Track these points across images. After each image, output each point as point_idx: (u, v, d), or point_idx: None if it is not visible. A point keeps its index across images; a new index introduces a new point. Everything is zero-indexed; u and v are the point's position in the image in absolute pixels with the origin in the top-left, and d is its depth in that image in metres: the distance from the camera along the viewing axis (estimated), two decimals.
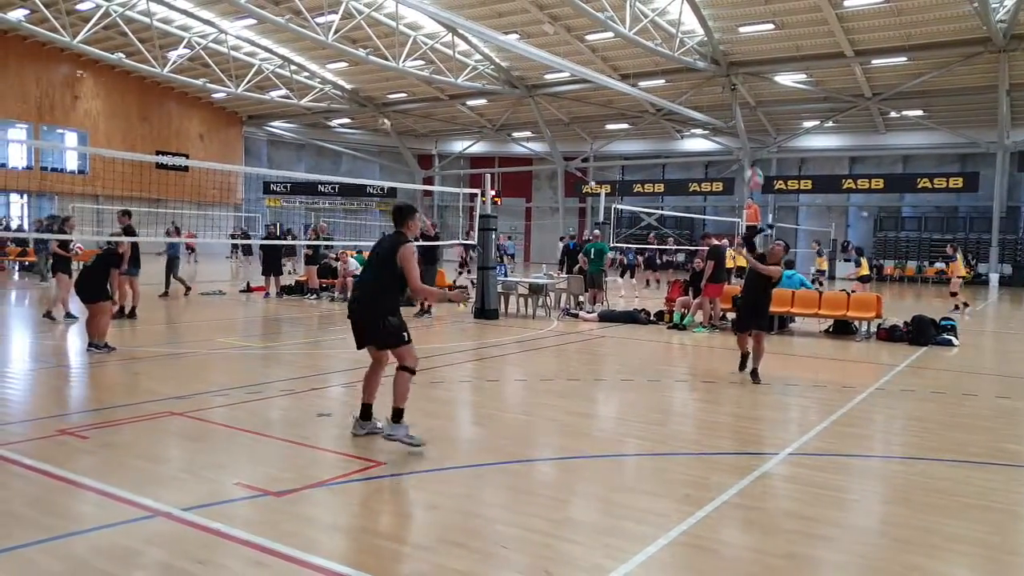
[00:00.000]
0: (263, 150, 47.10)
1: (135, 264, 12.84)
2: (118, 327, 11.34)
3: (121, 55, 32.97)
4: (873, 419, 7.38)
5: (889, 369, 10.13)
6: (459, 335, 12.74)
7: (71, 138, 37.62)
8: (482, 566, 3.73)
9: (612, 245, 20.79)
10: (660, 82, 32.72)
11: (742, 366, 9.17)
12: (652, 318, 14.78)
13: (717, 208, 38.67)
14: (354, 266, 16.86)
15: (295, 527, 4.13)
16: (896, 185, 36.40)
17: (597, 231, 18.42)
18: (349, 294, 8.48)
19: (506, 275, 17.29)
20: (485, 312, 14.57)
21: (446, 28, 28.94)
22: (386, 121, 42.06)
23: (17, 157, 36.20)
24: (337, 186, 45.11)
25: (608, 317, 14.87)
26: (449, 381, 8.52)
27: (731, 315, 13.43)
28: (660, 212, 37.34)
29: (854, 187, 36.65)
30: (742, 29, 27.76)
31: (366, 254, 6.93)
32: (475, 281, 15.84)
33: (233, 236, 38.06)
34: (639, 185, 41.38)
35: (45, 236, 17.59)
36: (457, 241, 28.09)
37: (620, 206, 32.48)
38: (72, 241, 13.38)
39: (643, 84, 32.65)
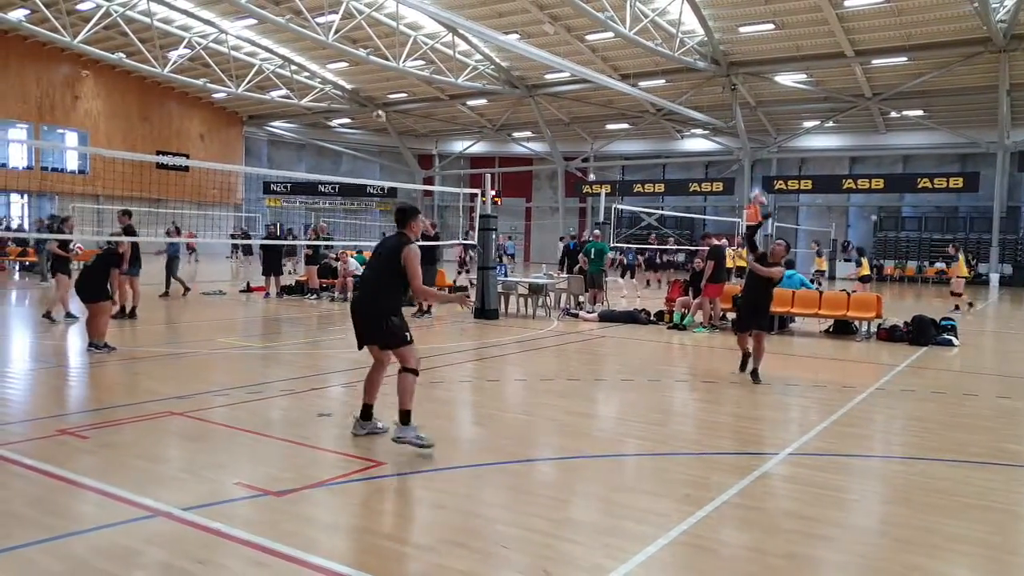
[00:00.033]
0: (263, 150, 47.09)
1: (135, 264, 12.85)
2: (118, 327, 11.34)
3: (122, 55, 32.96)
4: (873, 419, 7.38)
5: (889, 369, 10.12)
6: (459, 335, 12.74)
7: (71, 138, 37.62)
8: (482, 566, 3.73)
9: (612, 245, 20.80)
10: (660, 82, 32.72)
11: (743, 366, 9.17)
12: (652, 318, 14.78)
13: (717, 208, 38.63)
14: (354, 266, 16.84)
15: (295, 527, 4.13)
16: (896, 185, 36.39)
17: (597, 231, 18.43)
18: (349, 294, 8.47)
19: (506, 275, 17.29)
20: (485, 312, 14.56)
21: (446, 28, 28.94)
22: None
23: (17, 157, 36.21)
24: (337, 186, 45.13)
25: (608, 317, 14.87)
26: (449, 381, 8.51)
27: (731, 315, 13.45)
28: (660, 212, 37.31)
29: (854, 187, 36.65)
30: (742, 29, 27.77)
31: (366, 254, 6.93)
32: (475, 281, 15.84)
33: (233, 236, 38.08)
34: (639, 185, 41.39)
35: (45, 236, 17.59)
36: (457, 241, 28.09)
37: (620, 206, 32.45)
38: (72, 241, 13.38)
39: (643, 84, 32.65)
